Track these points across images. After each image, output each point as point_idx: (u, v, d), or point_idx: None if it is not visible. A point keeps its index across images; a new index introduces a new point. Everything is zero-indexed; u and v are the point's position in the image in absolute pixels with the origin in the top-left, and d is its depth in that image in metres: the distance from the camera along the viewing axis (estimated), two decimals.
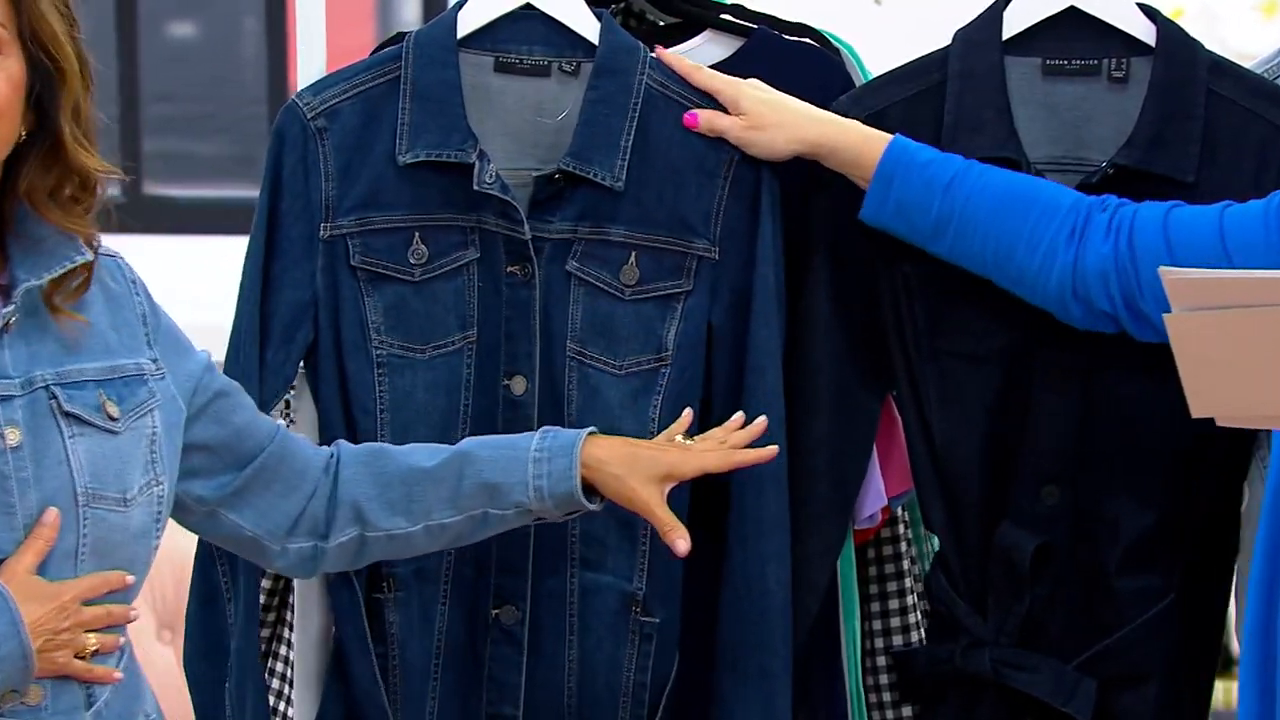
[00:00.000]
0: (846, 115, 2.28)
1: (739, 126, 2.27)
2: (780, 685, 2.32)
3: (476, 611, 2.34)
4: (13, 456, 1.86)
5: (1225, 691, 3.52)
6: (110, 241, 2.00)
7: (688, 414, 2.22)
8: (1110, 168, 2.22)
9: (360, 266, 2.30)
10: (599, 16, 2.33)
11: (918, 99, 2.28)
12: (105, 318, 1.96)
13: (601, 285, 2.32)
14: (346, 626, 2.31)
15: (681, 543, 2.13)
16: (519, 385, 2.33)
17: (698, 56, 2.39)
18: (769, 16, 2.42)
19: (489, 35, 2.33)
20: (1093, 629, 2.29)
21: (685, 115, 2.28)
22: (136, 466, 1.94)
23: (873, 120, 2.28)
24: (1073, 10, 2.29)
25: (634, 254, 2.31)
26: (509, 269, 2.31)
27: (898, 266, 2.29)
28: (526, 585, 2.32)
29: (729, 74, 2.35)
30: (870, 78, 2.40)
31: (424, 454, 2.15)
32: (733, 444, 2.18)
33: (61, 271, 1.91)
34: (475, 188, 2.27)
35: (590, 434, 2.15)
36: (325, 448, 2.16)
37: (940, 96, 2.27)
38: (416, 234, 2.31)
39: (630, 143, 2.29)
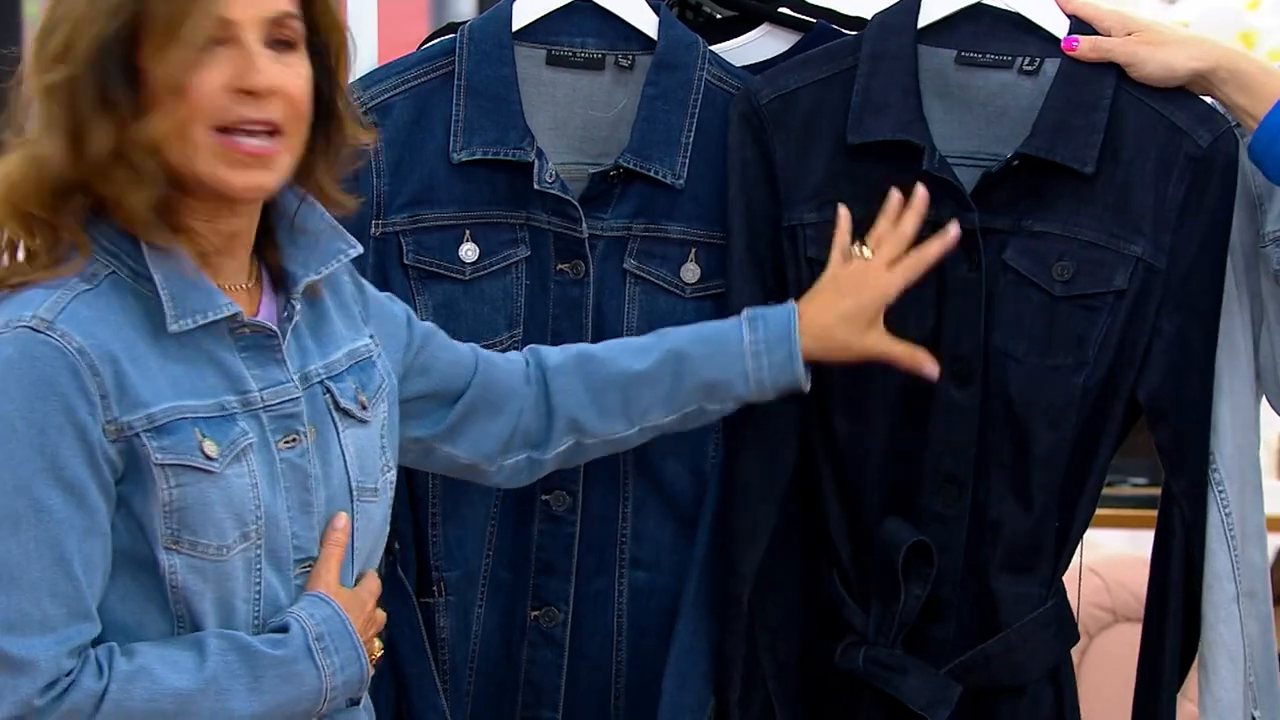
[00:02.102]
0: (758, 95, 2.26)
1: (1133, 43, 2.20)
2: (694, 660, 2.30)
3: (513, 614, 2.32)
4: (310, 453, 1.86)
5: None
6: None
7: (845, 215, 2.18)
8: (1015, 159, 2.20)
9: (413, 265, 2.29)
10: (655, 10, 2.31)
11: (829, 82, 2.25)
12: (331, 303, 1.95)
13: (661, 283, 2.30)
14: (404, 630, 2.30)
15: (930, 365, 2.17)
16: None
17: (754, 50, 2.38)
18: (828, 10, 2.40)
19: (541, 28, 2.31)
20: (976, 634, 2.27)
21: (1064, 41, 2.21)
22: (378, 454, 1.94)
23: (783, 101, 2.26)
24: (988, 3, 2.26)
25: (693, 251, 2.30)
26: (559, 267, 2.29)
27: (804, 253, 2.26)
28: (569, 587, 2.31)
29: None
30: None
31: (632, 355, 2.16)
32: (906, 236, 2.17)
33: (337, 266, 1.91)
34: (536, 187, 2.25)
35: (796, 311, 2.16)
36: (516, 357, 2.16)
37: (851, 80, 2.24)
38: (467, 231, 2.29)
39: (691, 139, 2.27)
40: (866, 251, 2.18)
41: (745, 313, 2.17)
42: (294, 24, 1.82)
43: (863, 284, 2.17)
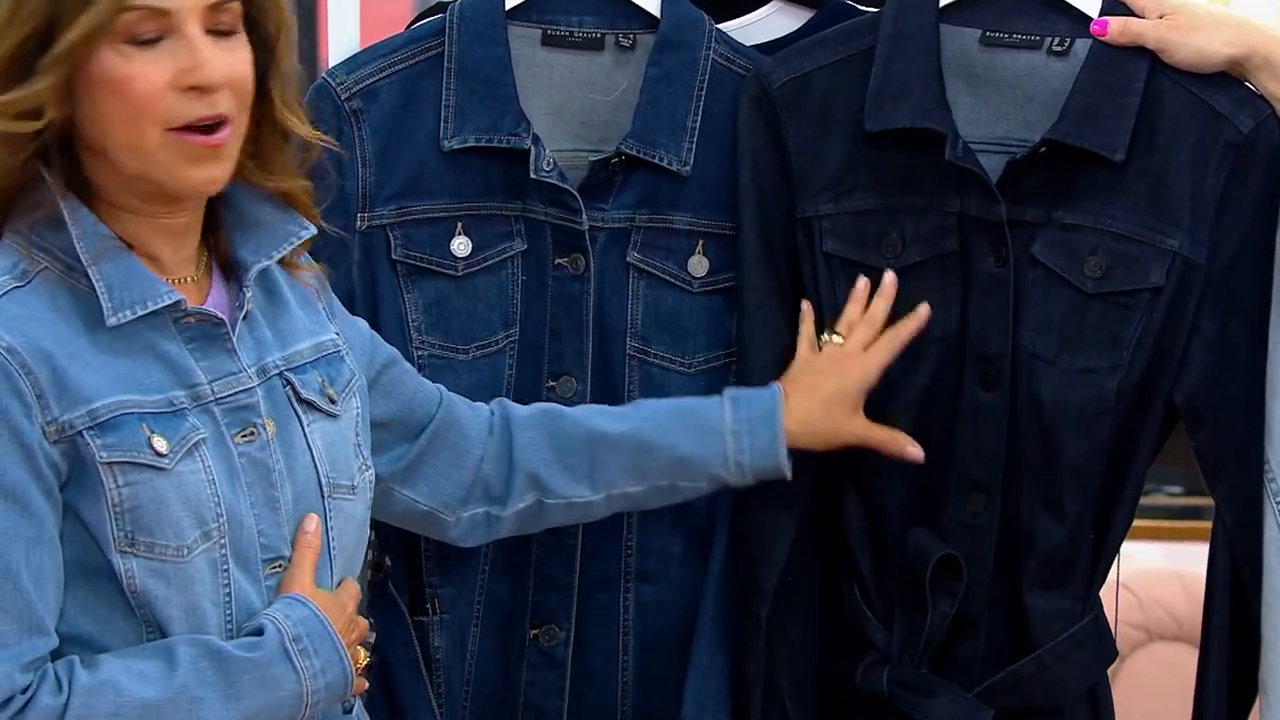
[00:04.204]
0: (770, 78, 2.23)
1: (1165, 27, 2.16)
2: (714, 681, 2.25)
3: (511, 633, 2.28)
4: (271, 447, 1.82)
5: None
6: None
7: (808, 310, 2.18)
8: (1042, 145, 2.16)
9: (401, 260, 2.24)
10: None
11: (845, 64, 2.22)
12: (292, 296, 1.92)
13: (667, 277, 2.25)
14: (398, 651, 2.26)
15: (913, 449, 2.16)
16: (567, 386, 2.25)
17: (764, 28, 2.35)
18: None
19: (536, 6, 2.27)
20: (1006, 652, 2.23)
21: (1093, 24, 2.17)
22: (353, 450, 1.91)
23: (797, 85, 2.22)
24: None
25: (701, 242, 2.25)
26: (557, 261, 2.24)
27: (820, 247, 2.22)
28: (571, 603, 2.26)
29: None
30: None
31: (605, 418, 2.14)
32: (878, 320, 2.16)
33: (288, 250, 1.88)
34: (532, 176, 2.20)
35: (781, 393, 2.14)
36: (480, 404, 2.14)
37: (869, 62, 2.20)
38: (459, 224, 2.24)
39: (697, 124, 2.23)
40: (836, 338, 2.17)
41: (728, 392, 2.16)
42: (233, 7, 1.79)
43: (841, 366, 2.16)
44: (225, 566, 1.77)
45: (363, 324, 2.05)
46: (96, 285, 1.74)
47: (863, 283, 2.17)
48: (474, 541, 2.15)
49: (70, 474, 1.72)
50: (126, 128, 1.74)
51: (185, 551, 1.74)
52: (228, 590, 1.78)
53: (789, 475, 2.14)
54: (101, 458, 1.71)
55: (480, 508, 2.11)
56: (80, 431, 1.71)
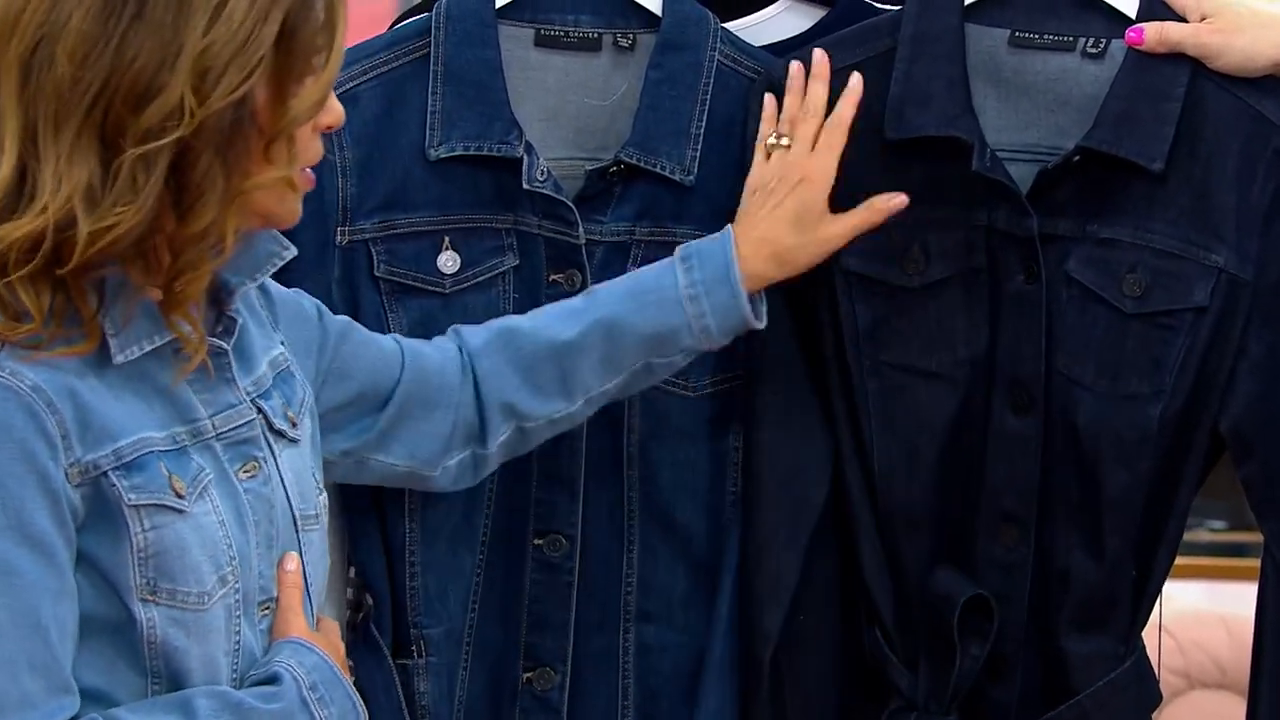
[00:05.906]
0: (782, 82, 2.18)
1: (1205, 32, 2.12)
2: None
3: (503, 676, 2.23)
4: (272, 482, 1.79)
5: None
6: None
7: (771, 102, 2.11)
8: (1076, 154, 2.12)
9: (385, 277, 2.19)
10: None
11: (864, 67, 2.16)
12: (241, 306, 1.85)
13: None
14: (380, 698, 2.18)
15: (897, 198, 2.08)
16: None
17: (773, 28, 2.30)
18: None
19: (528, 4, 2.24)
20: (1042, 697, 2.19)
21: (1128, 33, 2.13)
22: (312, 476, 1.88)
23: None
24: None
25: None
26: (552, 278, 2.19)
27: (837, 263, 2.17)
28: (567, 644, 2.22)
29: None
30: None
31: (559, 323, 2.08)
32: (818, 107, 2.09)
33: (272, 271, 1.83)
34: (525, 186, 2.16)
35: (733, 238, 2.08)
36: (447, 343, 2.09)
37: (889, 65, 2.17)
38: (446, 238, 2.19)
39: (701, 130, 2.18)
40: (783, 141, 2.10)
41: (679, 250, 2.10)
42: None
43: (794, 176, 2.08)
44: (238, 613, 1.73)
45: (305, 302, 1.98)
46: (103, 321, 1.68)
47: (795, 66, 2.11)
48: (463, 485, 2.12)
49: (87, 518, 1.66)
50: (288, 176, 1.74)
51: (206, 599, 1.70)
52: (238, 639, 1.73)
53: (760, 324, 2.09)
54: (130, 500, 1.66)
55: (464, 451, 2.08)
56: (105, 472, 1.65)
